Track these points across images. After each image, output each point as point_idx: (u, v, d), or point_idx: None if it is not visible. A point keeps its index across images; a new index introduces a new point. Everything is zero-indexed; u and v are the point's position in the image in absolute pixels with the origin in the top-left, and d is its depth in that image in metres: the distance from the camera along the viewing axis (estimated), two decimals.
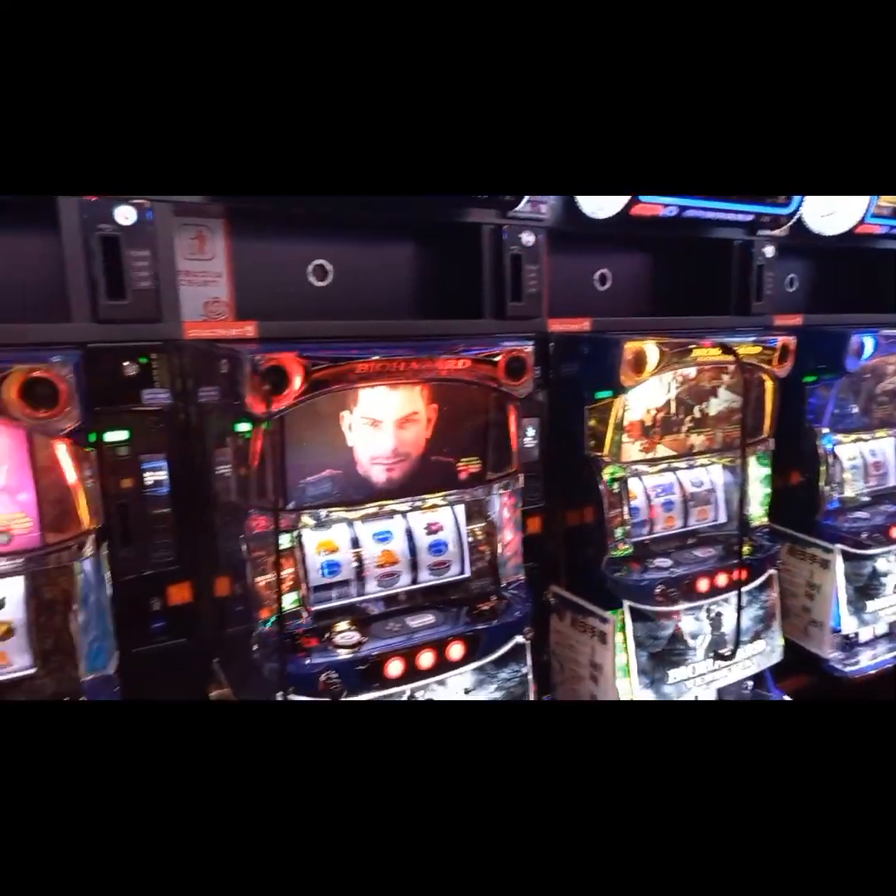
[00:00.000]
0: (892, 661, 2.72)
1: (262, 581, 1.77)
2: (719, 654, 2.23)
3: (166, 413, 1.76)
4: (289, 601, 1.81)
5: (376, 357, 1.75)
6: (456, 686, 1.92)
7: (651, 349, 2.06)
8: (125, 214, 1.64)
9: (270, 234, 2.13)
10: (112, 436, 1.69)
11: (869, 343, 2.44)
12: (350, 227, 2.22)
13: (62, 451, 1.47)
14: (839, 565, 2.55)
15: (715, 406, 2.39)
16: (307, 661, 1.74)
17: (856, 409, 2.73)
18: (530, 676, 2.03)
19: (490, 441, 2.05)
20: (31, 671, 1.58)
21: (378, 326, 2.04)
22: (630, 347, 2.03)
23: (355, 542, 2.00)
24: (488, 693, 1.96)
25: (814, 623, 2.63)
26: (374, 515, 2.00)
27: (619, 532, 2.25)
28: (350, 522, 1.99)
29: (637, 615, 2.19)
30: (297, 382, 1.66)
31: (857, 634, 2.72)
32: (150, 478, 1.75)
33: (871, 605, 2.67)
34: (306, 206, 1.95)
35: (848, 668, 2.65)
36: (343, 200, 1.78)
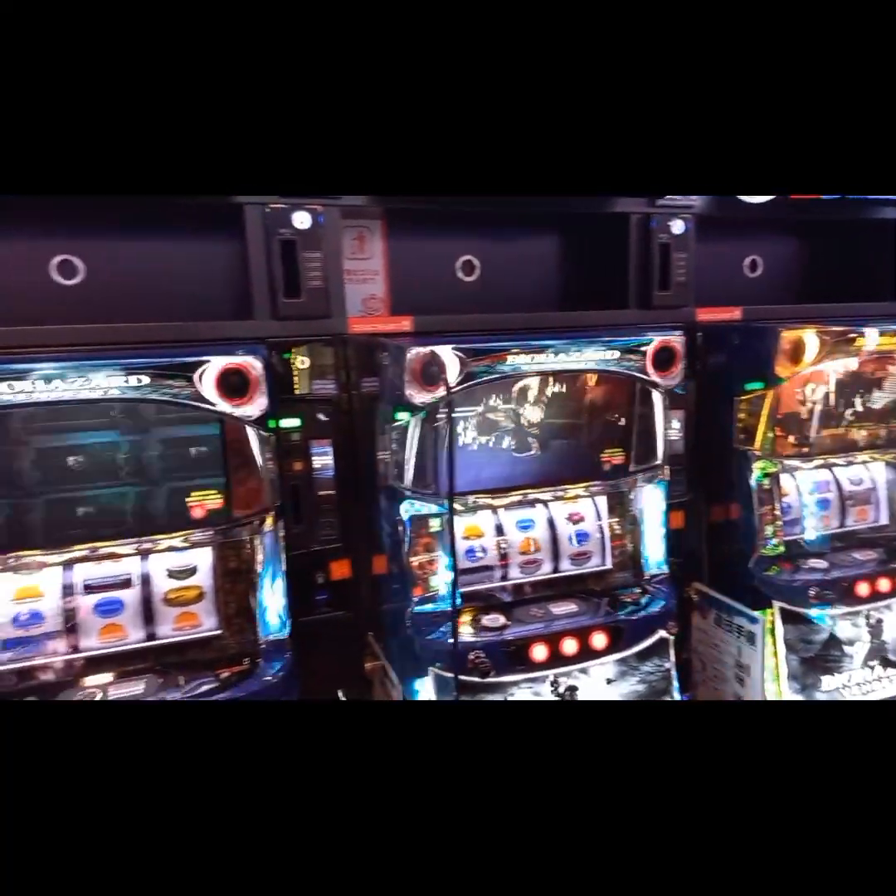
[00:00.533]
0: None
1: (415, 561, 1.88)
2: (887, 660, 2.09)
3: (332, 402, 1.90)
4: (436, 582, 1.90)
5: (525, 348, 1.80)
6: (598, 675, 1.93)
7: (810, 338, 1.97)
8: (301, 219, 1.79)
9: (422, 232, 2.23)
10: (286, 422, 1.85)
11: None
12: (496, 223, 2.29)
13: (251, 435, 1.64)
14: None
15: (879, 399, 2.24)
16: (457, 640, 1.82)
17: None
18: (673, 672, 2.01)
19: (635, 433, 2.05)
20: (218, 632, 1.77)
21: (526, 319, 2.09)
22: (787, 337, 1.96)
23: (499, 529, 2.07)
24: (630, 685, 1.96)
25: None
26: (517, 504, 2.06)
27: (769, 529, 2.17)
28: (494, 509, 2.06)
29: (788, 617, 2.10)
30: (452, 374, 1.74)
31: None
32: (317, 461, 1.90)
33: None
34: (455, 204, 2.03)
35: None
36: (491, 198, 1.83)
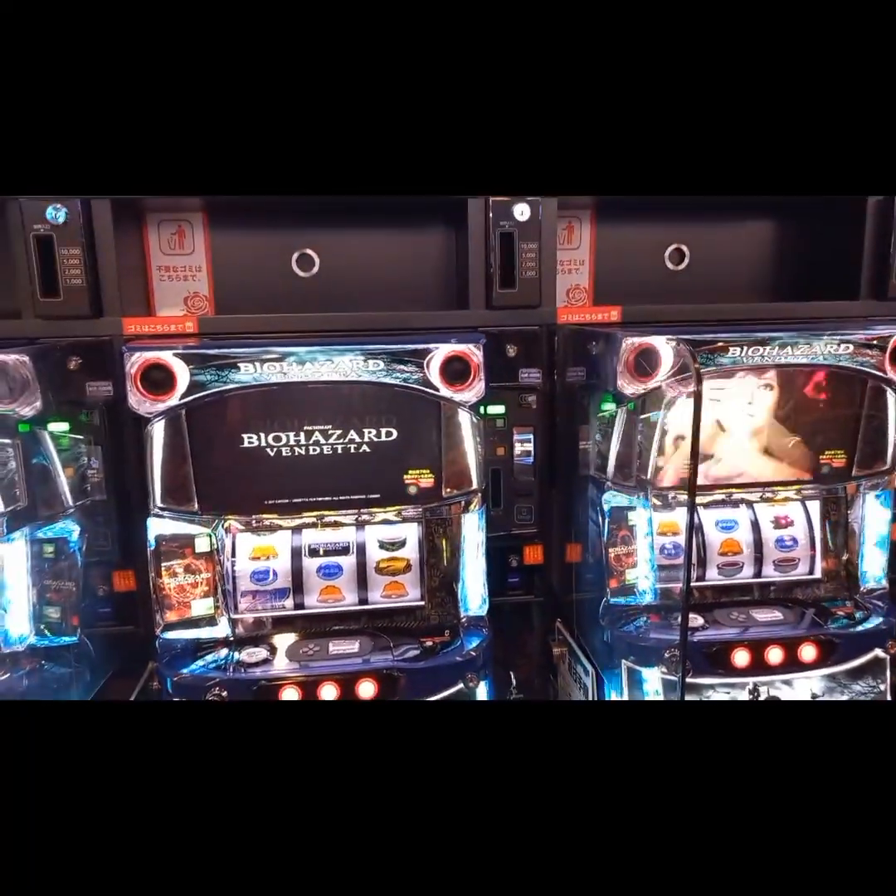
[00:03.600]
0: None
1: (613, 553, 1.88)
2: None
3: (537, 390, 1.94)
4: (633, 576, 1.88)
5: (746, 340, 1.72)
6: (803, 688, 1.83)
7: None
8: (522, 211, 1.83)
9: (628, 220, 2.20)
10: (492, 409, 1.92)
11: None
12: (707, 209, 2.20)
13: (465, 419, 1.72)
14: None
15: None
16: (652, 635, 1.81)
17: None
18: (889, 695, 1.85)
19: (861, 434, 1.89)
20: (421, 603, 1.88)
21: (742, 309, 2.00)
22: None
23: (698, 528, 2.00)
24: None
25: None
26: (720, 503, 1.99)
27: None
28: (696, 507, 2.00)
29: None
30: (665, 366, 1.71)
31: None
32: (519, 448, 1.95)
33: None
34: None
35: None
36: None
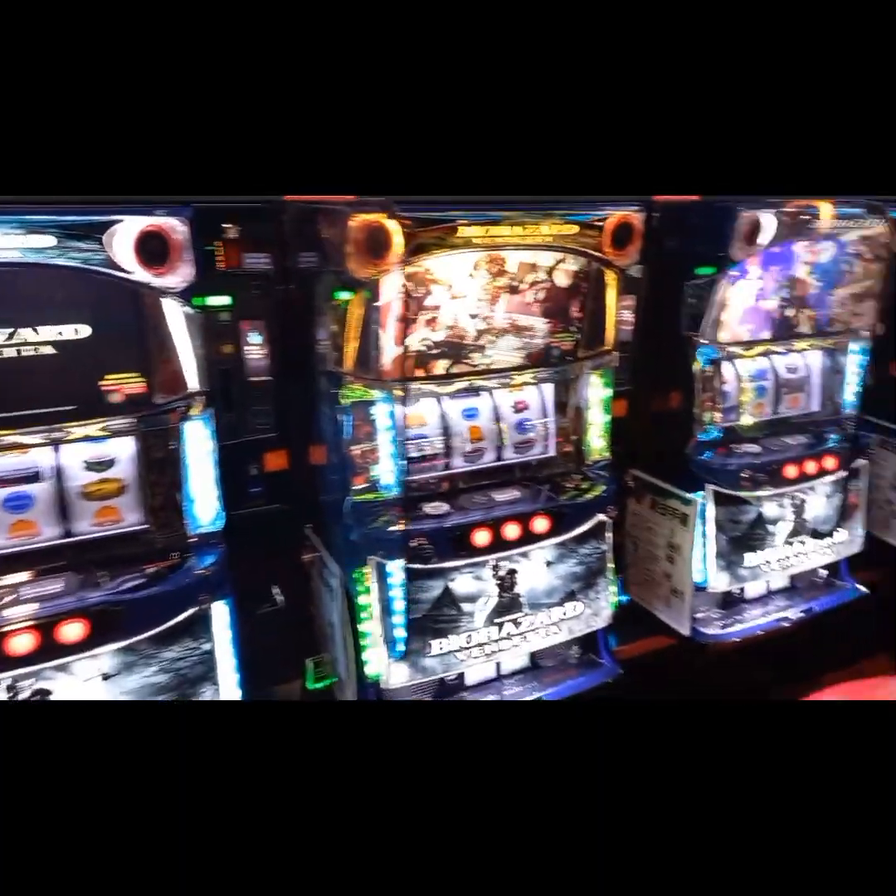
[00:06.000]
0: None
1: (357, 450, 1.80)
2: (817, 532, 2.25)
3: (269, 278, 1.71)
4: (377, 471, 1.83)
5: (477, 219, 1.66)
6: (538, 559, 1.96)
7: (767, 218, 1.91)
8: None
9: None
10: (214, 300, 1.66)
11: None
12: None
13: (174, 310, 1.46)
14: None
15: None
16: (399, 528, 1.79)
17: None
18: (609, 554, 2.07)
19: (586, 317, 1.97)
20: (144, 526, 1.65)
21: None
22: (747, 216, 1.88)
23: (443, 418, 2.00)
24: (568, 568, 2.01)
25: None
26: (463, 391, 1.98)
27: (707, 416, 2.20)
28: (439, 397, 1.98)
29: (720, 499, 2.18)
30: (398, 245, 1.59)
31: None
32: (249, 344, 1.74)
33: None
34: None
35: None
36: None
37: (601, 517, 2.03)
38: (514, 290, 1.84)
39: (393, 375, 1.72)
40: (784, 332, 2.26)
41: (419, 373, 1.83)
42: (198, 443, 1.60)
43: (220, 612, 1.59)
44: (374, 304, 1.65)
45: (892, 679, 1.98)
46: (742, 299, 2.13)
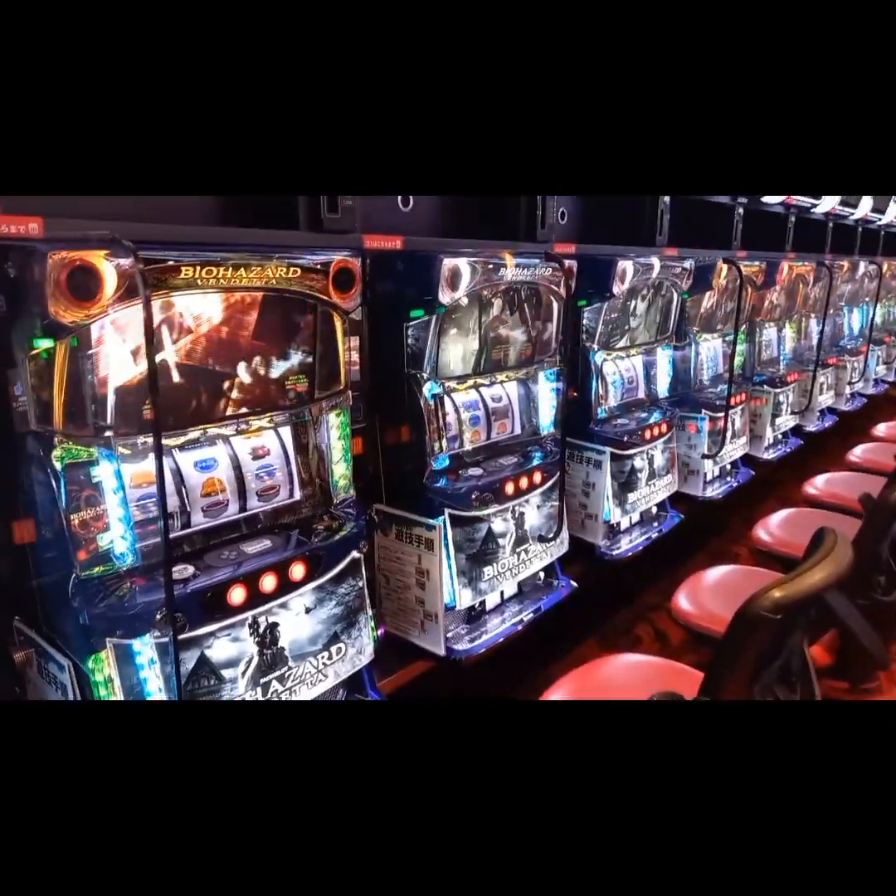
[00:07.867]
0: (644, 543, 3.29)
1: (76, 519, 1.56)
2: (543, 537, 2.59)
3: None
4: (107, 540, 1.62)
5: (202, 260, 1.60)
6: (298, 606, 1.91)
7: (464, 266, 2.17)
8: None
9: None
10: None
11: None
12: None
13: None
14: (607, 465, 3.00)
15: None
16: (140, 600, 1.60)
17: (617, 329, 3.16)
18: (366, 590, 2.10)
19: (316, 359, 2.00)
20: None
21: (194, 232, 1.84)
22: (448, 264, 2.11)
23: (176, 472, 1.84)
24: (328, 610, 1.98)
25: (589, 516, 3.07)
26: (195, 442, 1.86)
27: (436, 446, 2.38)
28: (168, 450, 1.83)
29: (455, 521, 2.36)
30: (110, 286, 1.45)
31: (619, 523, 3.25)
32: None
33: (630, 496, 3.19)
34: None
35: (614, 552, 3.16)
36: None
37: (355, 554, 2.05)
38: (238, 335, 1.80)
39: (116, 430, 1.54)
40: (487, 366, 2.57)
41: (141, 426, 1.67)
42: None
43: None
44: (87, 352, 1.47)
45: (604, 659, 2.33)
46: (452, 338, 2.38)
